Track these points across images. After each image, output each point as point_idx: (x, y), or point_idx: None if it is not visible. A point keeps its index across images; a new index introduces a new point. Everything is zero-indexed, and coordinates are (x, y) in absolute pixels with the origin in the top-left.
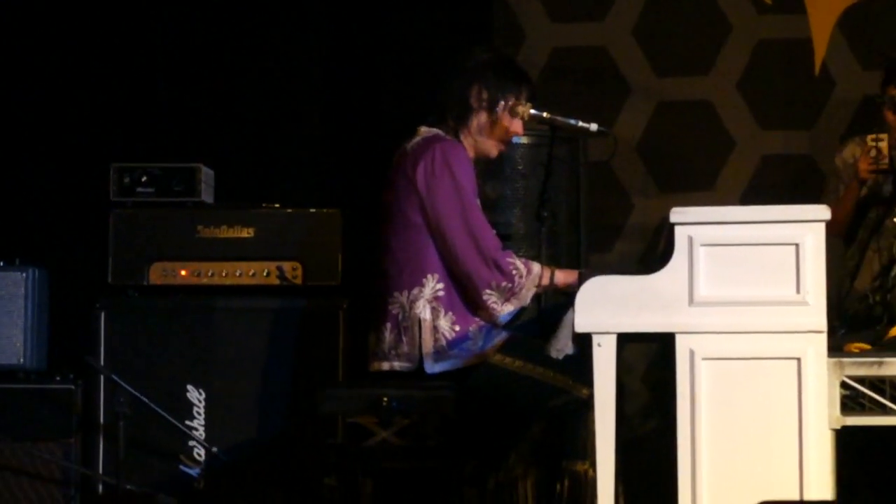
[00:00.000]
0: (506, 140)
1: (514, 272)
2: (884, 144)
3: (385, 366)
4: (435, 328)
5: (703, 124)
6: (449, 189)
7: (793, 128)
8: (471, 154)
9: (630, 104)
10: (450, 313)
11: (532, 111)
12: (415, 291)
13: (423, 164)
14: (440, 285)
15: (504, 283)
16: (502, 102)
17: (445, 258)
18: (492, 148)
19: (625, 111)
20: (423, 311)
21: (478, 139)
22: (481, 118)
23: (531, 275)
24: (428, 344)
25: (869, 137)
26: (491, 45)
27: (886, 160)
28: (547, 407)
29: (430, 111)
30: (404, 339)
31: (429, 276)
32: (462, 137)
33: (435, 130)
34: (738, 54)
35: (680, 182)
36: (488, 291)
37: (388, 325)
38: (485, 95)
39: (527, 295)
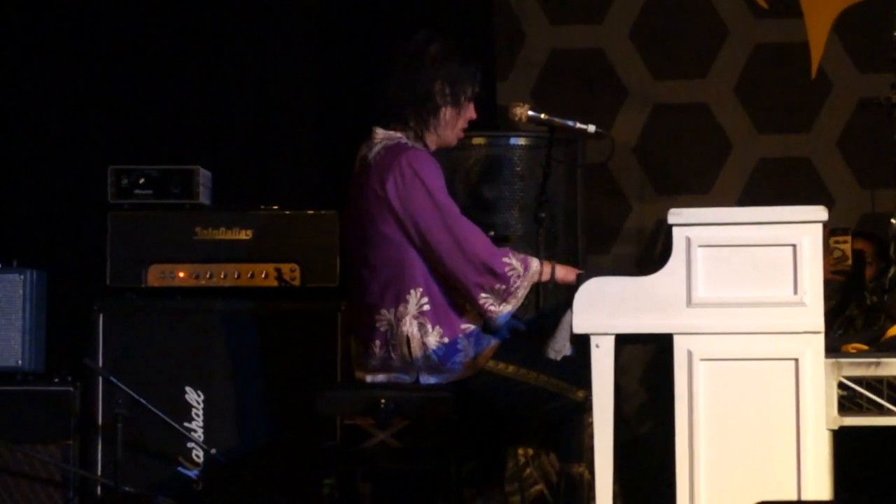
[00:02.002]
0: (465, 128)
1: (509, 273)
2: (846, 246)
3: (380, 377)
4: (424, 345)
5: (701, 127)
6: (424, 200)
7: (790, 131)
8: (433, 148)
9: (627, 107)
10: (437, 327)
11: (530, 112)
12: (401, 308)
13: (393, 178)
14: (425, 299)
15: (498, 286)
16: (462, 94)
17: (435, 269)
18: (454, 138)
19: (622, 114)
20: (411, 327)
21: (444, 134)
22: (447, 113)
23: (528, 272)
24: (419, 358)
25: (832, 239)
26: (431, 33)
27: (849, 262)
28: (543, 410)
29: (384, 111)
30: (394, 355)
31: (412, 291)
32: (426, 136)
33: (394, 135)
34: (735, 58)
35: (677, 185)
36: (483, 295)
37: (378, 342)
38: (448, 90)
39: (525, 293)
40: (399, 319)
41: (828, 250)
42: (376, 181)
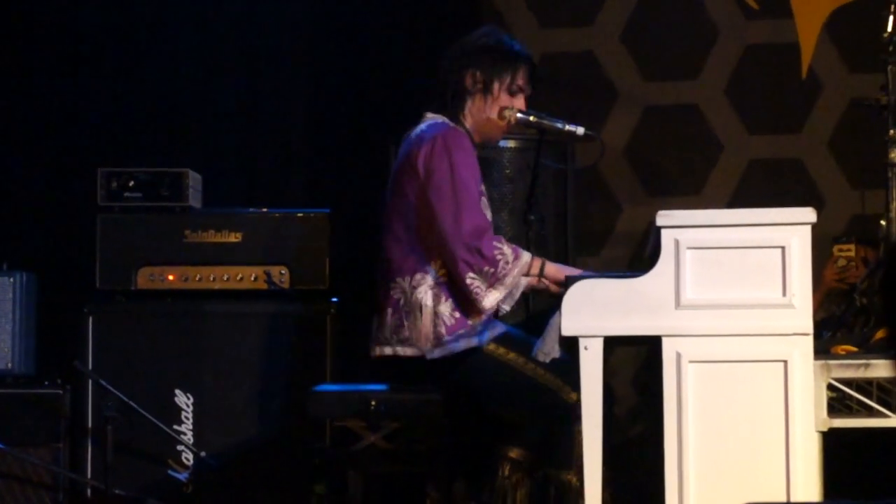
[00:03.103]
0: (510, 122)
1: (498, 257)
2: (852, 254)
3: (388, 350)
4: (436, 314)
5: (691, 129)
6: (445, 174)
7: (780, 132)
8: (477, 139)
9: (618, 109)
10: (450, 300)
11: (519, 115)
12: (417, 277)
13: (425, 150)
14: (443, 271)
15: (486, 268)
16: (497, 83)
17: (435, 242)
18: (495, 130)
19: (613, 116)
20: (425, 296)
21: (480, 122)
22: (478, 101)
23: (518, 261)
24: (428, 329)
25: (835, 248)
26: (491, 29)
27: (856, 271)
28: (534, 404)
29: (432, 97)
30: (406, 323)
31: (433, 262)
32: (465, 122)
33: (440, 117)
34: (726, 58)
35: (668, 186)
36: (471, 275)
37: (390, 311)
38: (479, 77)
39: (513, 282)
40: (414, 288)
41: (831, 258)
42: (413, 152)
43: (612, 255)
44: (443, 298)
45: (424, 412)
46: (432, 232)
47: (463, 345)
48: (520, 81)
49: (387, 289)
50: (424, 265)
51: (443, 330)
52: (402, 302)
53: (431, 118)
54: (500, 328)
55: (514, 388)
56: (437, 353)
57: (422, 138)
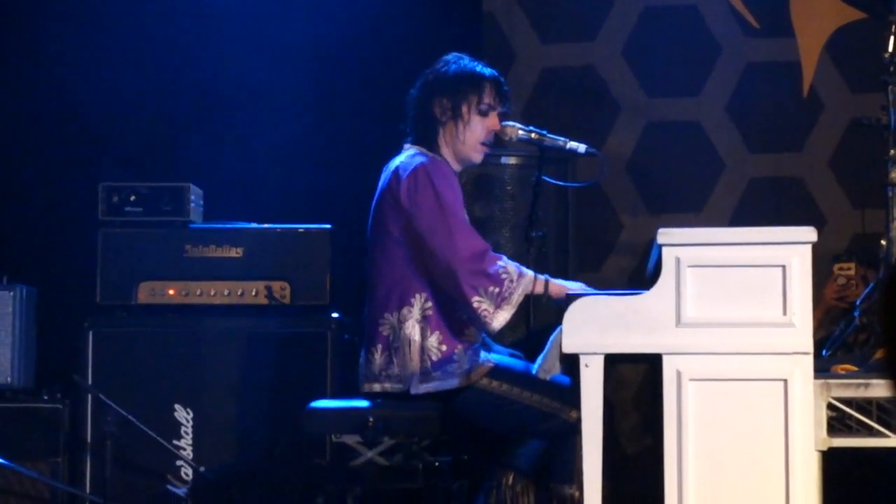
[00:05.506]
0: (486, 141)
1: (503, 276)
2: (852, 273)
3: (376, 387)
4: (423, 348)
5: (693, 145)
6: (432, 204)
7: (781, 150)
8: (456, 166)
9: (620, 124)
10: (437, 332)
11: (520, 132)
12: (404, 311)
13: (407, 182)
14: (429, 304)
15: (492, 288)
16: (465, 106)
17: (433, 273)
18: (472, 152)
19: (615, 130)
20: (413, 330)
21: (456, 149)
22: (450, 128)
23: (523, 278)
24: (415, 364)
25: (836, 266)
26: (455, 54)
27: (857, 289)
28: (535, 431)
29: (407, 130)
30: (395, 360)
31: (417, 295)
32: (442, 151)
33: (418, 148)
34: (727, 76)
35: (669, 203)
36: (477, 299)
37: (380, 347)
38: (447, 105)
39: (519, 300)
40: (402, 323)
41: (832, 277)
42: (395, 184)
43: (614, 271)
44: (429, 332)
45: (421, 428)
46: (418, 265)
47: (454, 383)
48: (487, 100)
49: (375, 325)
50: (409, 299)
51: (429, 364)
52: (391, 338)
53: (410, 149)
54: (487, 360)
55: (516, 420)
56: (421, 389)
57: (402, 171)
